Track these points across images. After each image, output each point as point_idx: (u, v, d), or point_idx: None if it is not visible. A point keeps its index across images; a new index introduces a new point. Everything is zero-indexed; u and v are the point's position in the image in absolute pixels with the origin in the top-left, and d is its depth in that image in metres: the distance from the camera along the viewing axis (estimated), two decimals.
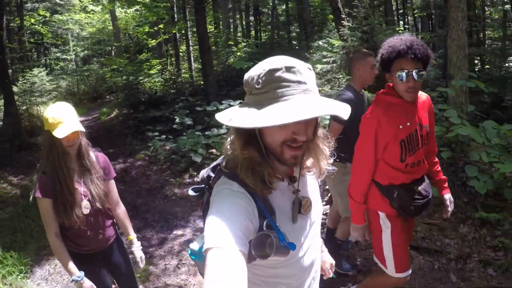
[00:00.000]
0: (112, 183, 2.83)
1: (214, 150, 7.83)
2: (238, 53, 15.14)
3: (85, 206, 2.56)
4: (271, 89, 1.18)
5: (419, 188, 2.63)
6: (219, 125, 8.19)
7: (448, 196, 2.90)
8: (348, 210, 3.34)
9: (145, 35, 17.06)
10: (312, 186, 1.54)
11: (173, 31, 15.23)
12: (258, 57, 10.97)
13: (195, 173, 7.36)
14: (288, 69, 1.19)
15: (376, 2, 15.56)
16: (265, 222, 1.26)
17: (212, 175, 1.42)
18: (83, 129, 2.53)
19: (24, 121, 13.34)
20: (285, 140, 1.23)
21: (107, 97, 20.75)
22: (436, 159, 2.96)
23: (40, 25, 21.37)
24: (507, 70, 11.15)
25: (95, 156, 2.73)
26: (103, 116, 15.90)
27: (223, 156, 1.45)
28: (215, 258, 1.05)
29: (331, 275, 1.94)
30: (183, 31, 16.09)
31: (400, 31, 11.26)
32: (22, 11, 18.55)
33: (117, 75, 17.11)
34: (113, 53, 24.31)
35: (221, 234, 1.11)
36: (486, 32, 15.76)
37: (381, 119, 2.53)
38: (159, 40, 16.80)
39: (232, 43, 16.52)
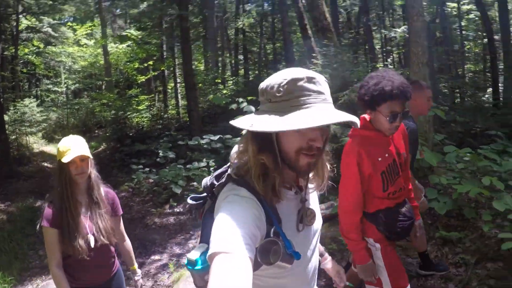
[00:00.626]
0: (120, 219, 2.89)
1: (195, 183, 8.24)
2: (224, 91, 15.79)
3: (90, 240, 2.55)
4: (293, 97, 1.24)
5: (403, 210, 2.67)
6: (199, 159, 8.65)
7: (418, 222, 2.94)
8: None
9: (134, 71, 17.63)
10: (314, 198, 1.56)
11: (162, 68, 15.90)
12: (243, 95, 11.58)
13: (175, 204, 7.77)
14: (310, 79, 1.26)
15: (348, 41, 16.50)
16: (272, 229, 1.27)
17: (216, 183, 1.44)
18: (91, 156, 2.63)
19: (12, 149, 13.59)
20: (301, 147, 1.27)
21: (96, 131, 21.05)
22: (410, 186, 2.98)
23: (34, 56, 21.62)
24: (482, 101, 11.95)
25: (104, 191, 2.78)
26: (91, 149, 16.20)
27: (226, 165, 1.51)
28: (224, 263, 1.04)
29: (345, 283, 1.96)
30: (172, 69, 16.75)
31: (380, 67, 12.05)
32: (17, 41, 18.89)
33: (106, 109, 17.50)
34: (103, 88, 24.74)
35: (230, 239, 1.10)
36: (466, 66, 16.68)
37: (361, 153, 2.53)
38: (148, 76, 17.39)
39: (219, 80, 17.21)
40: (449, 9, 15.07)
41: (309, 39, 8.98)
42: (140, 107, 16.23)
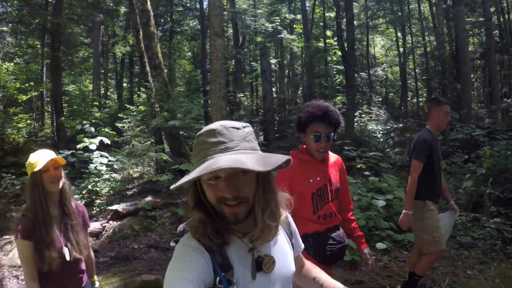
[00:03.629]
0: (87, 231, 2.92)
1: None
2: (98, 114, 18.13)
3: (65, 253, 2.58)
4: (197, 152, 1.30)
5: (333, 234, 2.83)
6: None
7: (367, 250, 2.99)
8: (430, 245, 4.09)
9: (16, 90, 19.20)
10: (281, 246, 1.52)
11: (40, 90, 17.87)
12: (114, 117, 14.03)
13: None
14: (209, 132, 1.29)
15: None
16: (217, 278, 1.29)
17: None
18: (64, 161, 2.64)
19: None
20: (219, 198, 1.27)
21: None
22: (353, 217, 3.12)
23: None
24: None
25: (74, 204, 2.79)
26: None
27: None
28: None
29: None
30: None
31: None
32: None
33: None
34: None
35: (179, 285, 1.21)
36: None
37: (293, 173, 2.74)
38: (28, 96, 19.06)
39: (96, 103, 19.46)
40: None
41: (146, 74, 11.99)
42: (20, 125, 17.87)
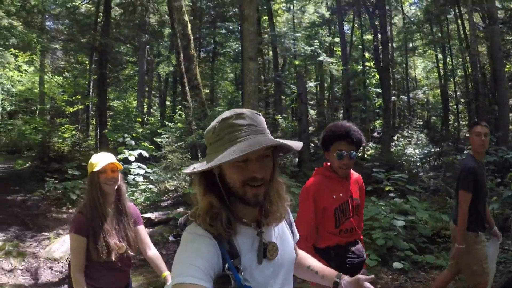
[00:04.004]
0: (142, 228, 3.04)
1: None
2: (140, 129, 18.90)
3: (117, 249, 2.72)
4: (225, 135, 1.33)
5: (353, 248, 2.94)
6: None
7: (363, 271, 3.02)
8: (480, 276, 4.00)
9: (64, 102, 20.32)
10: (283, 233, 1.60)
11: (87, 103, 18.93)
12: (156, 133, 14.85)
13: (70, 206, 10.79)
14: (238, 115, 1.34)
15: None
16: (226, 264, 1.33)
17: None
18: (121, 167, 2.82)
19: None
20: (245, 180, 1.34)
21: (25, 152, 23.04)
22: (361, 236, 3.17)
23: None
24: None
25: (129, 206, 2.96)
26: (17, 165, 18.76)
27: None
28: None
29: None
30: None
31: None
32: None
33: (35, 133, 19.71)
34: (37, 113, 26.94)
35: (189, 271, 1.26)
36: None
37: (318, 189, 2.88)
38: (75, 108, 20.18)
39: (139, 120, 20.28)
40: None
41: (185, 93, 12.69)
42: (65, 135, 18.91)
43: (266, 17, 20.93)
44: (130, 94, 26.15)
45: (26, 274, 6.36)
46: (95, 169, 2.69)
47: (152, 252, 3.03)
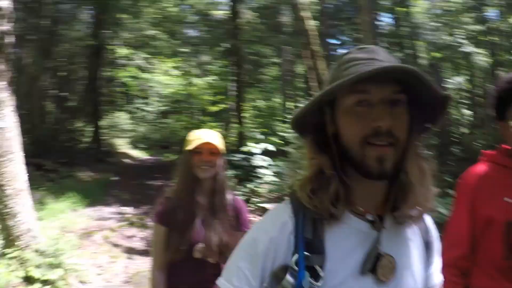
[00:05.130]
0: (240, 233, 2.26)
1: None
2: (279, 127, 19.25)
3: (197, 250, 2.18)
4: (344, 69, 0.96)
5: None
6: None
7: None
8: None
9: (207, 101, 21.77)
10: (412, 249, 1.03)
11: (227, 103, 20.22)
12: None
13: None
14: (360, 49, 1.00)
15: None
16: (294, 258, 0.93)
17: None
18: (223, 150, 2.25)
19: (104, 145, 19.80)
20: (366, 135, 0.90)
21: (173, 147, 24.70)
22: None
23: (129, 78, 25.30)
24: None
25: (231, 199, 2.33)
26: (165, 157, 20.87)
27: None
28: None
29: None
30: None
31: None
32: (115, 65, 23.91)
33: (184, 130, 21.11)
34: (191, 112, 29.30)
35: (228, 279, 1.00)
36: None
37: (484, 183, 1.63)
38: (220, 108, 21.39)
39: (279, 118, 20.72)
40: None
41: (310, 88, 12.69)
42: None
43: (405, 9, 19.46)
44: (275, 94, 26.84)
45: (142, 242, 6.92)
46: (189, 147, 2.19)
47: None
